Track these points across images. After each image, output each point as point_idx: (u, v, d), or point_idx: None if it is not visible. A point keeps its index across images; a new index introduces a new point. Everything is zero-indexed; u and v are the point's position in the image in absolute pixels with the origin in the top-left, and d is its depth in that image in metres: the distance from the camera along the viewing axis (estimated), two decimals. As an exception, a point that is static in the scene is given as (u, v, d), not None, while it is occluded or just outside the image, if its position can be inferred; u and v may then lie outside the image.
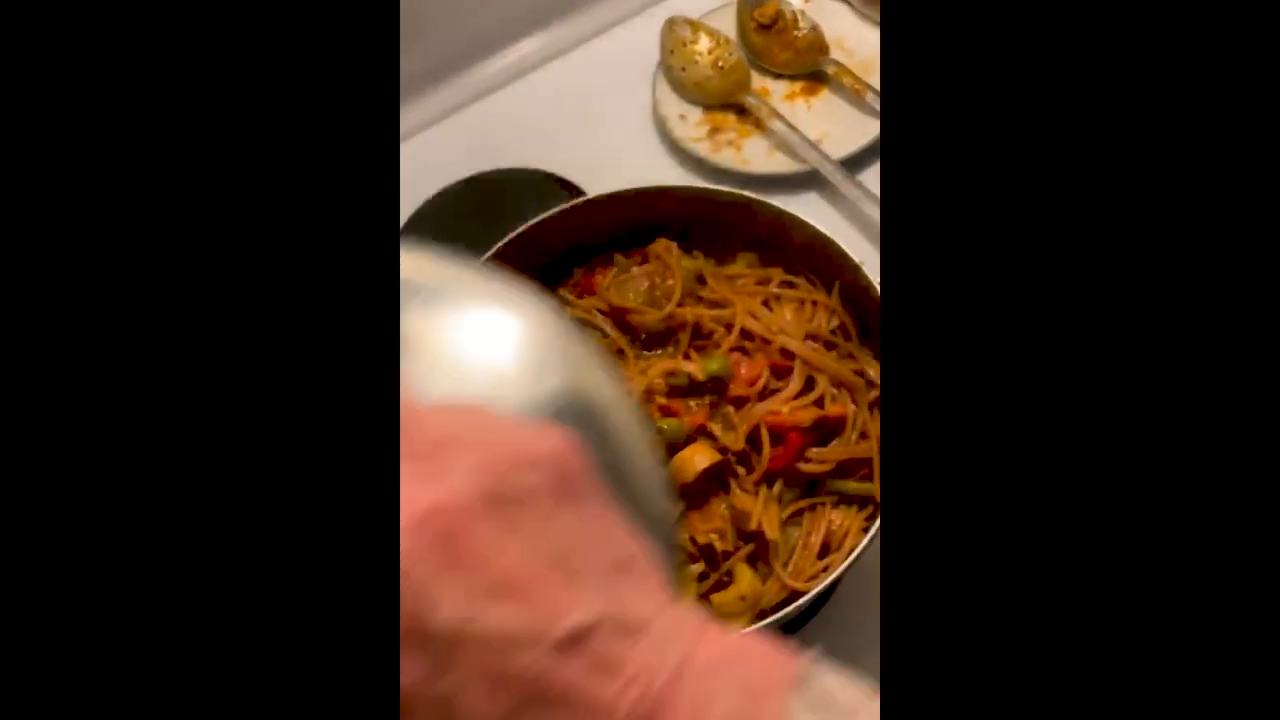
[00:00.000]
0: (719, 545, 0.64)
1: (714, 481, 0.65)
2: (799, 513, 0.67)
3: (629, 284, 0.76)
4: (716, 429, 0.65)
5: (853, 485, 0.68)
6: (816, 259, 0.75)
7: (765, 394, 0.68)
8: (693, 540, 0.64)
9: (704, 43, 1.11)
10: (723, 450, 0.65)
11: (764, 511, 0.64)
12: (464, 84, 1.21)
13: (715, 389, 0.67)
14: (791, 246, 0.77)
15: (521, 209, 1.02)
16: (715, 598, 0.64)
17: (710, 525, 0.64)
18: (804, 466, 0.66)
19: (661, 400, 0.67)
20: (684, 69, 1.10)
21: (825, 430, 0.68)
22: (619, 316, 0.74)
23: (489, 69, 1.22)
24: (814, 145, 0.99)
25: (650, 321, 0.73)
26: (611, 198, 0.80)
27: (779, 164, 1.02)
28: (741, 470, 0.66)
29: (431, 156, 1.10)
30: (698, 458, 0.63)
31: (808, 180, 1.01)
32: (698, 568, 0.65)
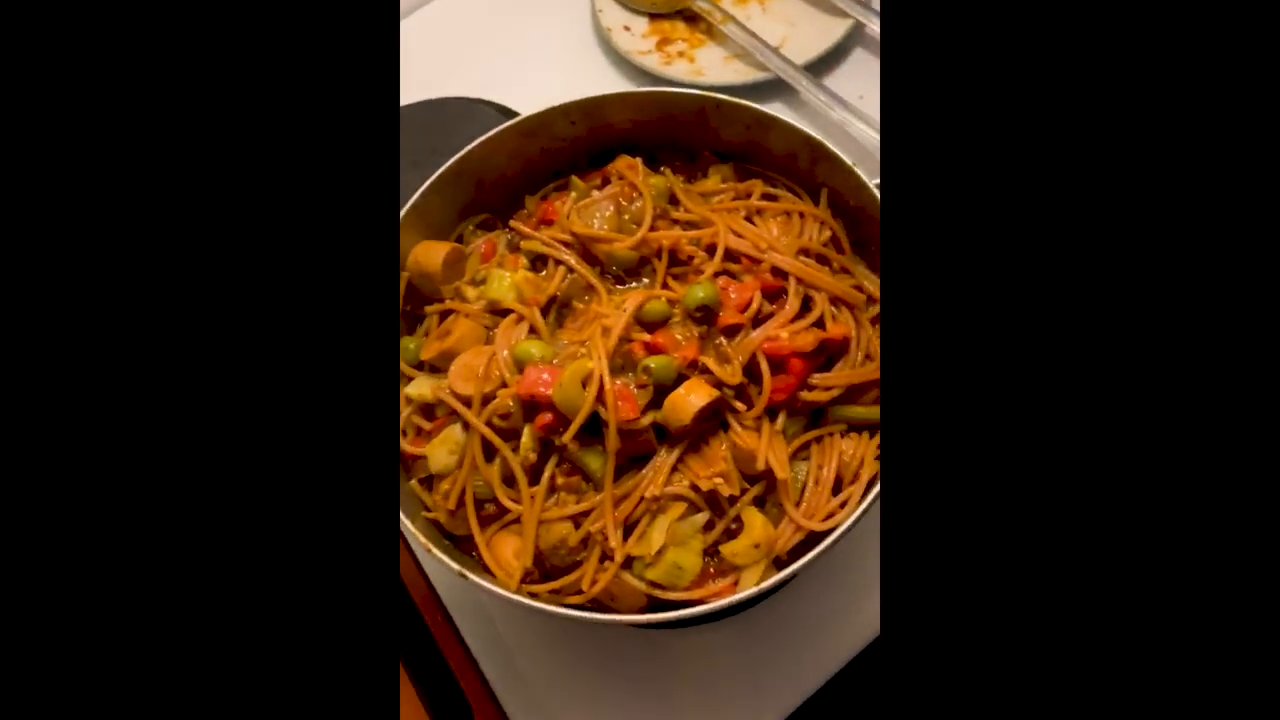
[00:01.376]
0: (724, 490, 0.57)
1: (712, 420, 0.58)
2: (805, 446, 0.60)
3: (592, 210, 0.67)
4: (710, 363, 0.58)
5: (860, 411, 0.61)
6: (798, 167, 0.68)
7: (759, 319, 0.60)
8: (695, 488, 0.57)
9: None
10: (719, 385, 0.57)
11: (770, 448, 0.57)
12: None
13: (704, 319, 0.60)
14: (769, 156, 0.69)
15: (455, 143, 0.93)
16: (726, 548, 0.57)
17: (713, 470, 0.57)
18: (808, 395, 0.59)
19: (644, 336, 0.59)
20: None
21: (827, 353, 0.61)
22: (585, 247, 0.66)
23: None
24: (775, 50, 0.91)
25: (620, 251, 0.64)
26: (552, 113, 0.71)
27: (738, 73, 0.94)
28: (741, 406, 0.59)
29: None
30: (693, 396, 0.56)
31: (770, 89, 0.93)
32: (702, 517, 0.58)
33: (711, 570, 0.58)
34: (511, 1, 1.08)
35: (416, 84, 0.98)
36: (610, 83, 0.99)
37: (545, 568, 0.60)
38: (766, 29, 0.96)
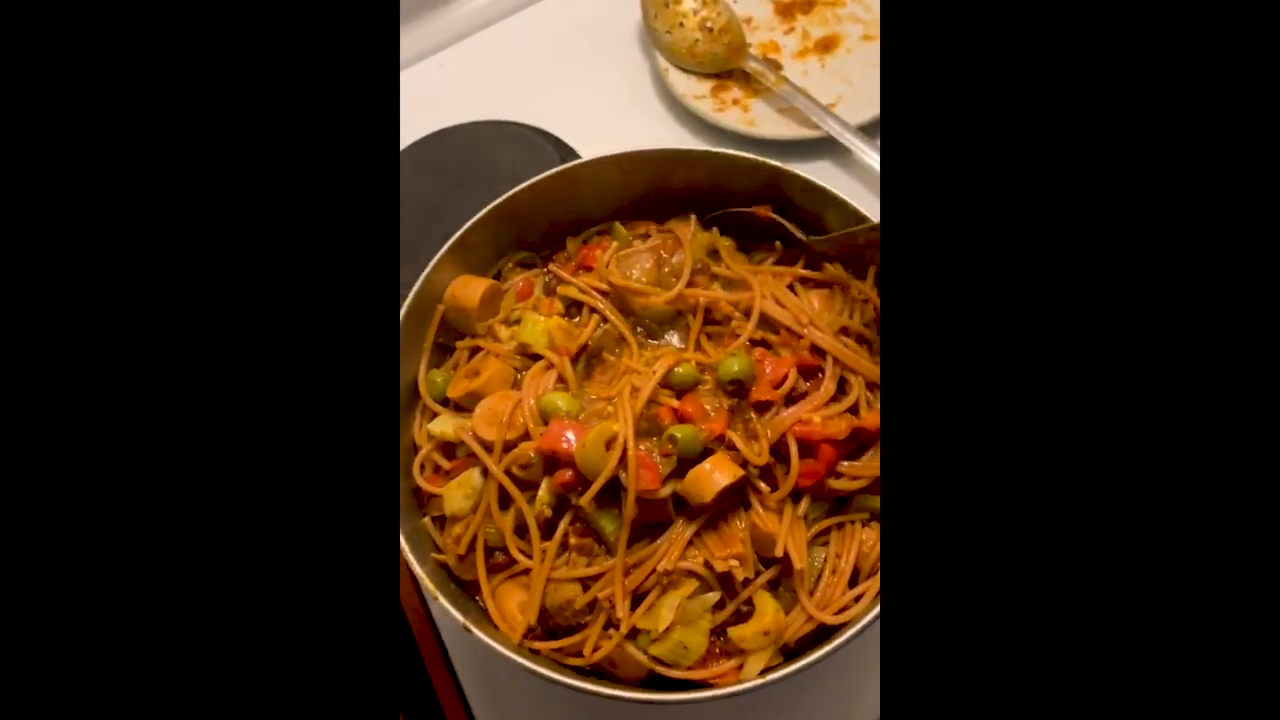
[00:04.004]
0: (739, 574, 0.54)
1: (733, 498, 0.56)
2: (825, 532, 0.58)
3: (632, 260, 0.65)
4: (737, 439, 0.56)
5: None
6: (853, 241, 0.65)
7: (792, 398, 0.58)
8: (708, 566, 0.55)
9: (688, 3, 0.99)
10: (744, 464, 0.55)
11: (790, 534, 0.55)
12: (432, 28, 1.08)
13: (736, 392, 0.57)
14: (825, 229, 0.67)
15: (500, 168, 0.91)
16: (734, 631, 0.55)
17: (729, 550, 0.55)
18: (835, 483, 0.57)
19: (672, 402, 0.57)
20: (669, 32, 0.98)
21: (859, 441, 0.58)
22: (621, 298, 0.64)
23: (461, 10, 1.09)
24: (827, 110, 0.89)
25: (656, 305, 0.62)
26: (605, 162, 0.69)
27: (790, 128, 0.91)
28: (764, 486, 0.56)
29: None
30: (717, 474, 0.53)
31: (821, 146, 0.91)
32: (713, 596, 0.56)
33: (716, 649, 0.56)
34: (569, 32, 1.06)
35: (466, 106, 0.96)
36: (660, 123, 0.97)
37: (549, 625, 0.58)
38: (824, 85, 0.94)
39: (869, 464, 0.58)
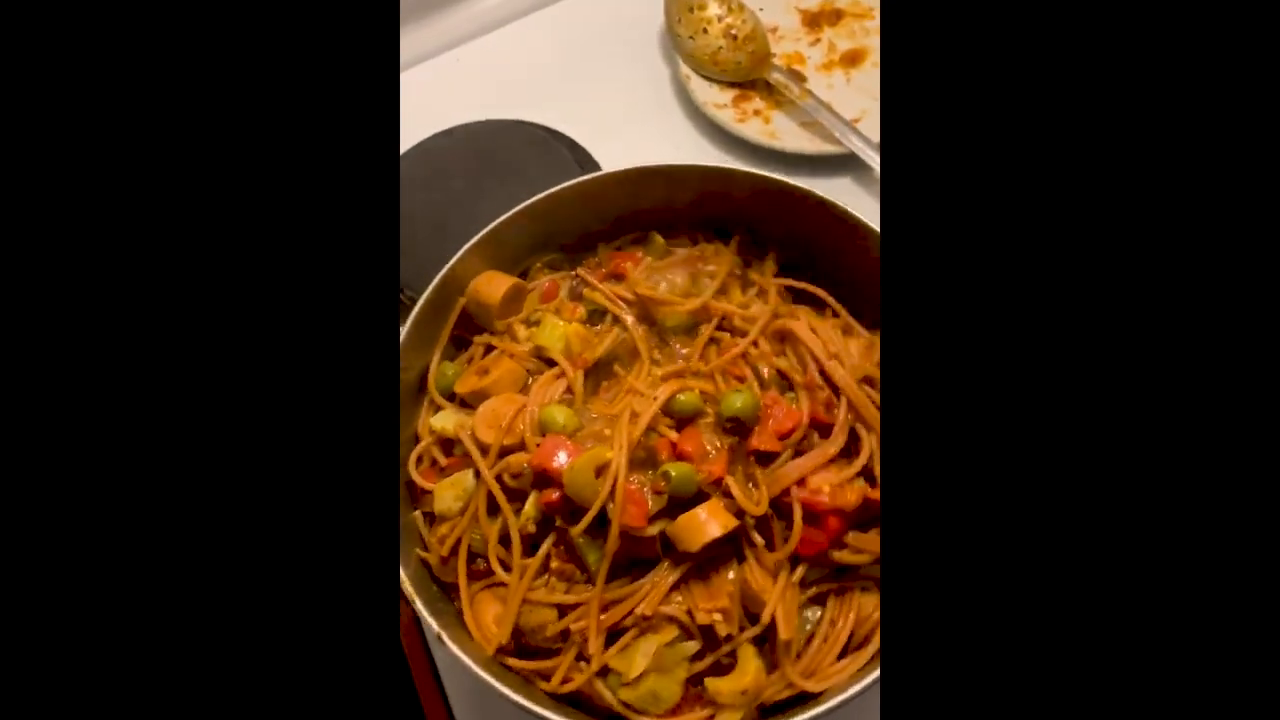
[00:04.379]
0: (721, 629, 0.52)
1: (725, 547, 0.53)
2: (824, 595, 0.55)
3: (664, 271, 0.63)
4: (735, 485, 0.53)
5: None
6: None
7: (799, 449, 0.55)
8: (690, 614, 0.53)
9: (713, 8, 0.96)
10: (739, 514, 0.53)
11: (781, 600, 0.52)
12: (451, 21, 1.05)
13: (734, 430, 0.55)
14: (867, 261, 0.62)
15: (515, 167, 0.89)
16: (711, 683, 0.52)
17: (715, 603, 0.52)
18: (838, 555, 0.54)
19: (671, 435, 0.55)
20: (692, 38, 0.95)
21: (871, 513, 0.55)
22: (645, 308, 0.62)
23: (481, 4, 1.07)
24: (850, 125, 0.86)
25: (678, 314, 0.61)
26: (650, 172, 0.65)
27: (813, 142, 0.88)
28: (759, 539, 0.53)
29: (410, 101, 0.96)
30: (710, 524, 0.51)
31: (843, 163, 0.88)
32: (692, 646, 0.53)
33: (689, 694, 0.54)
34: (590, 33, 1.03)
35: (480, 104, 0.94)
36: (679, 131, 0.94)
37: (522, 643, 0.56)
38: (848, 100, 0.91)
39: (875, 539, 0.54)
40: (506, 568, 0.56)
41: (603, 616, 0.53)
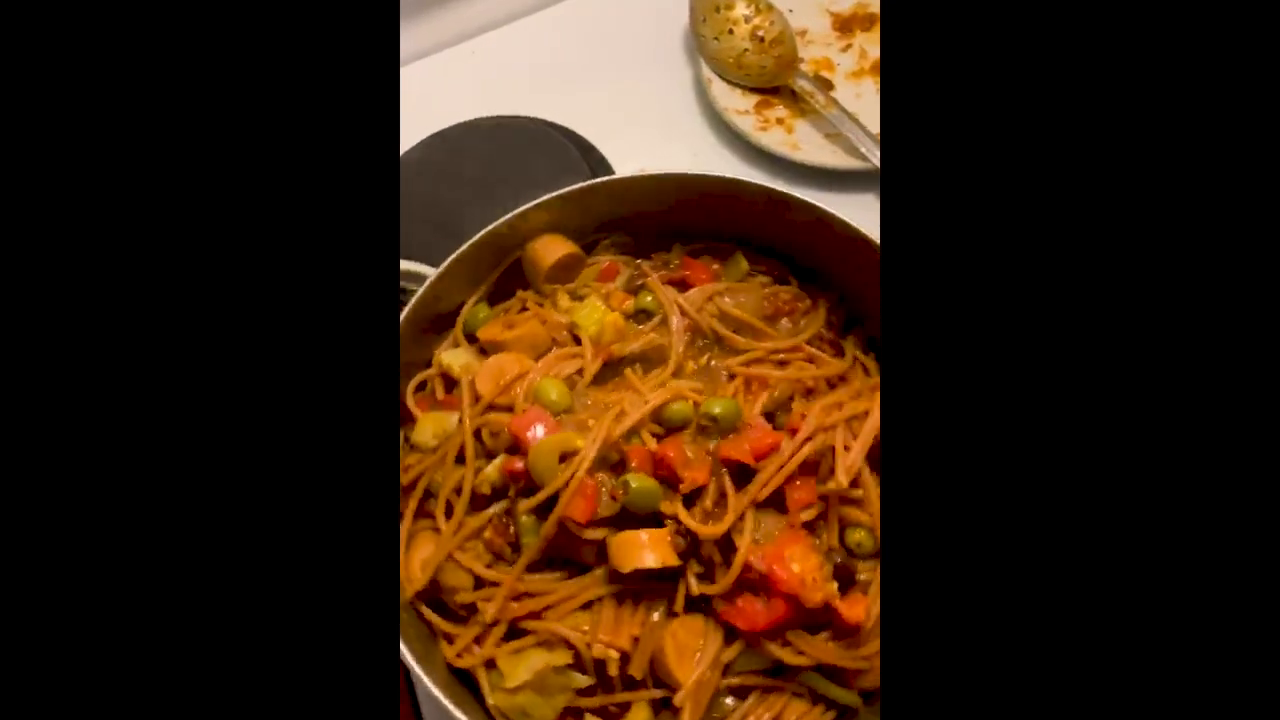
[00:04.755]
0: (612, 668, 0.49)
1: (662, 584, 0.51)
2: (749, 689, 0.51)
3: (740, 291, 0.62)
4: (689, 518, 0.49)
5: (840, 693, 0.51)
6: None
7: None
8: (588, 645, 0.50)
9: (741, 8, 0.90)
10: (685, 555, 0.50)
11: (694, 692, 0.48)
12: (468, 12, 1.01)
13: (710, 433, 0.52)
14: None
15: (525, 166, 0.86)
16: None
17: (616, 639, 0.49)
18: (773, 647, 0.50)
19: (652, 443, 0.52)
20: (717, 39, 0.90)
21: (828, 620, 0.50)
22: (708, 325, 0.60)
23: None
24: (876, 139, 0.82)
25: (742, 346, 0.60)
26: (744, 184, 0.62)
27: (835, 156, 0.84)
28: (695, 585, 0.50)
29: (421, 93, 0.92)
30: (646, 552, 0.48)
31: (867, 179, 0.84)
32: (582, 680, 0.51)
33: None
34: (611, 29, 0.98)
35: (494, 99, 0.90)
36: (699, 136, 0.90)
37: (438, 598, 0.55)
38: (877, 111, 0.86)
39: (825, 648, 0.50)
40: (449, 517, 0.55)
41: (514, 605, 0.52)
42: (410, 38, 0.98)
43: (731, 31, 0.91)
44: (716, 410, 0.52)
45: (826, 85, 0.89)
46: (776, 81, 0.89)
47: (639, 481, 0.50)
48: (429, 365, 0.64)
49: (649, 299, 0.61)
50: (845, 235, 0.58)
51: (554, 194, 0.62)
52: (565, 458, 0.51)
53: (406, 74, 0.95)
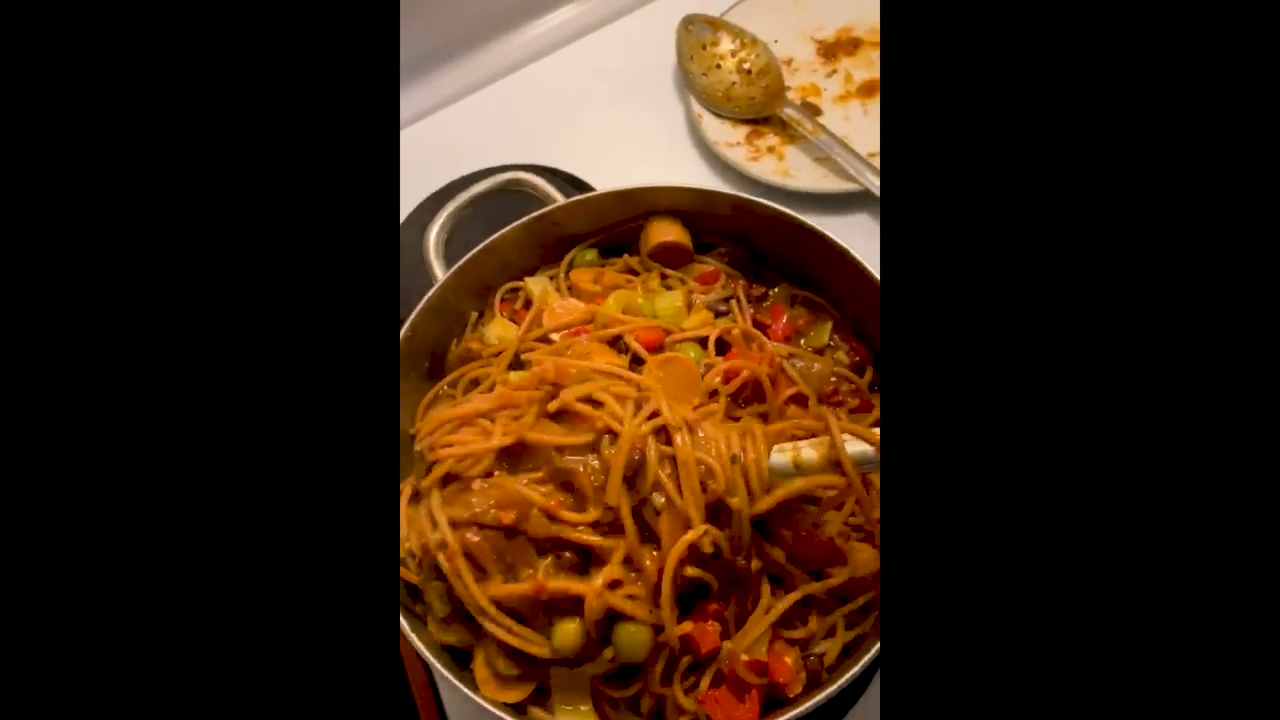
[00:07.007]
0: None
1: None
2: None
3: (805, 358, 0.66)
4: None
5: None
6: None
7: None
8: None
9: (726, 43, 0.95)
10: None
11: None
12: (462, 70, 1.04)
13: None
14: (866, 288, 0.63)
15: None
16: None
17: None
18: None
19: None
20: (705, 75, 0.94)
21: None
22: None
23: (490, 54, 1.06)
24: (866, 161, 0.83)
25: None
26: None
27: (826, 179, 0.86)
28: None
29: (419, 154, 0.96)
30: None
31: (859, 200, 0.85)
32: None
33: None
34: (602, 75, 1.01)
35: (492, 150, 0.93)
36: (694, 170, 0.92)
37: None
38: (865, 133, 0.89)
39: None
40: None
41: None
42: (406, 101, 1.01)
43: (719, 66, 0.93)
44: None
45: (814, 111, 0.91)
46: (766, 111, 0.91)
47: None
48: (523, 275, 0.69)
49: (732, 327, 0.62)
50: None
51: (683, 185, 0.67)
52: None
53: (406, 136, 0.99)
